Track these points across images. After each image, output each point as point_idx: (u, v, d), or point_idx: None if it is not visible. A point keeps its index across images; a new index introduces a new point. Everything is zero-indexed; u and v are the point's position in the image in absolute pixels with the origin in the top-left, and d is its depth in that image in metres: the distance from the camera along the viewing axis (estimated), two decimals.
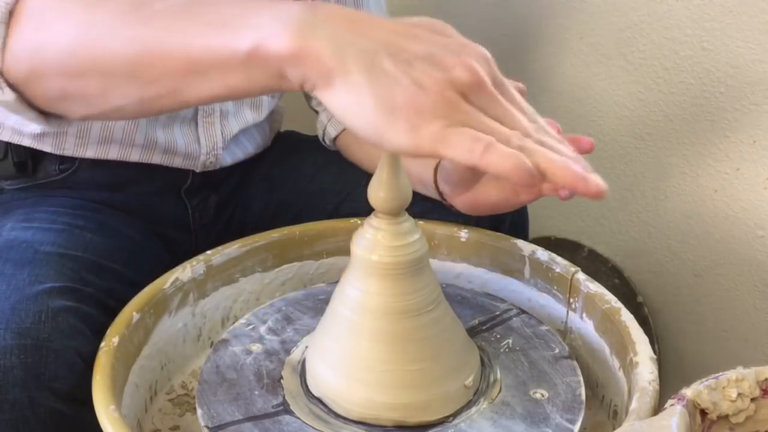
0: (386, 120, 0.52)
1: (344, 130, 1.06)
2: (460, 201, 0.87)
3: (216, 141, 1.02)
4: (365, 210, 0.74)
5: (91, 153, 0.97)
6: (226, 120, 1.02)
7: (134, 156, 0.99)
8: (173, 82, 0.59)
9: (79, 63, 0.62)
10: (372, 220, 0.73)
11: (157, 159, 1.00)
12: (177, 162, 1.01)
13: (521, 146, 0.52)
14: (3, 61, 0.63)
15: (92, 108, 0.66)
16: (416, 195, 0.74)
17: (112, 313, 0.79)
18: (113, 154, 0.98)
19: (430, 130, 0.51)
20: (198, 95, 0.59)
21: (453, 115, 0.52)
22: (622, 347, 0.77)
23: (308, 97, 1.12)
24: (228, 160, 1.06)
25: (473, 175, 0.83)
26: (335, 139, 1.07)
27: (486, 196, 0.85)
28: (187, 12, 0.58)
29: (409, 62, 0.53)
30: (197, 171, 1.03)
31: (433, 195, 0.90)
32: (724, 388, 0.67)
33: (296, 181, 1.08)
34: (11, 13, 0.63)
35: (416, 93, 0.52)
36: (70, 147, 0.96)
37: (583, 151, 0.79)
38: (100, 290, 0.81)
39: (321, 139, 1.10)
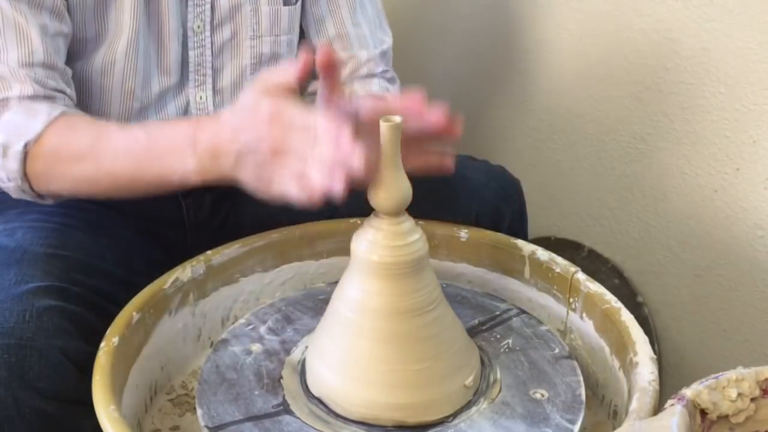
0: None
1: None
2: None
3: None
4: (364, 210, 0.74)
5: None
6: None
7: None
8: (146, 192, 0.82)
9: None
10: (372, 220, 0.73)
11: None
12: None
13: None
14: (33, 190, 0.85)
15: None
16: (416, 195, 0.74)
17: (102, 313, 0.79)
18: None
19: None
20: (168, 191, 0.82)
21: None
22: (622, 347, 0.77)
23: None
24: None
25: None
26: None
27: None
28: (139, 156, 0.80)
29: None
30: None
31: None
32: (724, 388, 0.67)
33: None
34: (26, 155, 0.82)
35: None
36: None
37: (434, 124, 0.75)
38: (90, 290, 0.81)
39: None
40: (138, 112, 0.98)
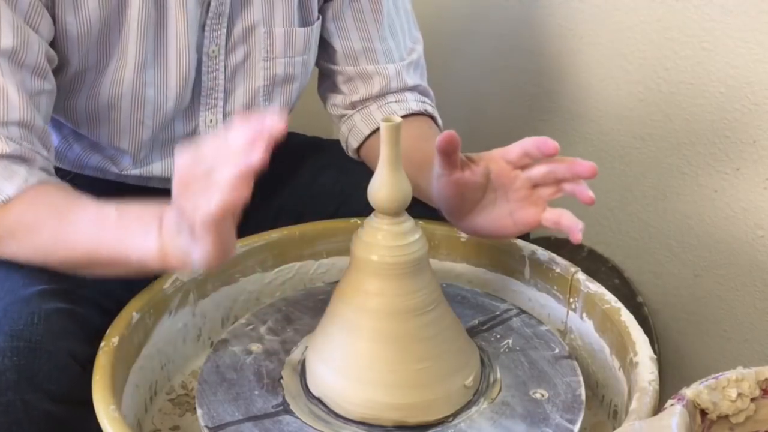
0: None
1: (366, 140, 1.05)
2: (459, 226, 0.88)
3: None
4: (365, 212, 0.74)
5: (88, 173, 1.01)
6: None
7: (131, 181, 1.01)
8: (105, 271, 0.77)
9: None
10: (372, 221, 0.73)
11: (154, 184, 1.02)
12: None
13: None
14: None
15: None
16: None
17: (109, 315, 0.79)
18: (110, 177, 1.01)
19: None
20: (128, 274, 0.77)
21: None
22: (622, 347, 0.77)
23: (331, 114, 1.11)
24: None
25: (462, 202, 0.84)
26: (358, 150, 1.06)
27: (481, 225, 0.85)
28: (102, 227, 0.76)
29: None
30: None
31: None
32: (724, 388, 0.67)
33: (295, 185, 1.07)
34: None
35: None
36: (68, 166, 1.00)
37: (583, 177, 0.79)
38: (97, 292, 0.81)
39: (345, 151, 1.09)
40: (148, 142, 0.97)
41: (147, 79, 0.92)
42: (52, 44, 0.87)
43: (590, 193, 0.79)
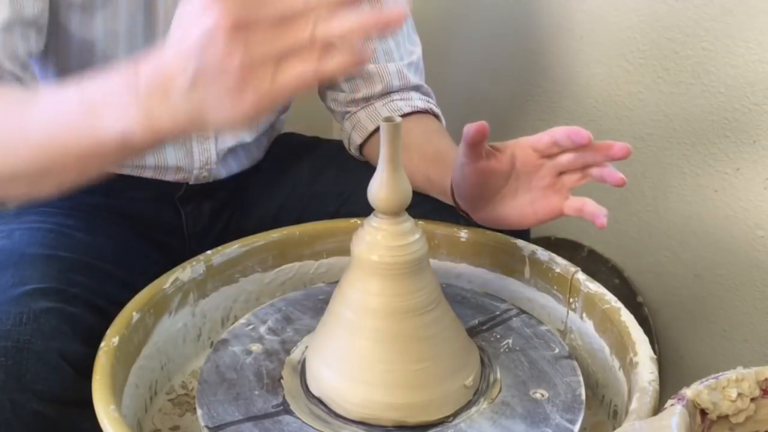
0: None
1: (369, 137, 1.04)
2: (478, 216, 0.88)
3: (209, 156, 1.01)
4: (365, 213, 0.74)
5: None
6: (221, 135, 1.02)
7: (125, 171, 1.00)
8: (79, 169, 0.67)
9: None
10: (372, 221, 0.73)
11: (148, 174, 1.01)
12: (169, 176, 1.02)
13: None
14: None
15: (28, 197, 0.75)
16: (416, 195, 0.74)
17: (101, 314, 0.79)
18: None
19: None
20: (105, 168, 0.69)
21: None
22: (622, 347, 0.77)
23: (332, 110, 1.11)
24: (223, 173, 1.05)
25: (484, 191, 0.83)
26: (361, 147, 1.06)
27: (502, 214, 0.85)
28: (58, 115, 0.65)
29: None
30: (190, 183, 1.04)
31: (454, 204, 0.90)
32: (724, 388, 0.67)
33: (295, 185, 1.07)
34: None
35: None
36: None
37: (617, 158, 0.78)
38: (89, 290, 0.80)
39: (347, 147, 1.08)
40: None
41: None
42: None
43: (620, 175, 0.78)
